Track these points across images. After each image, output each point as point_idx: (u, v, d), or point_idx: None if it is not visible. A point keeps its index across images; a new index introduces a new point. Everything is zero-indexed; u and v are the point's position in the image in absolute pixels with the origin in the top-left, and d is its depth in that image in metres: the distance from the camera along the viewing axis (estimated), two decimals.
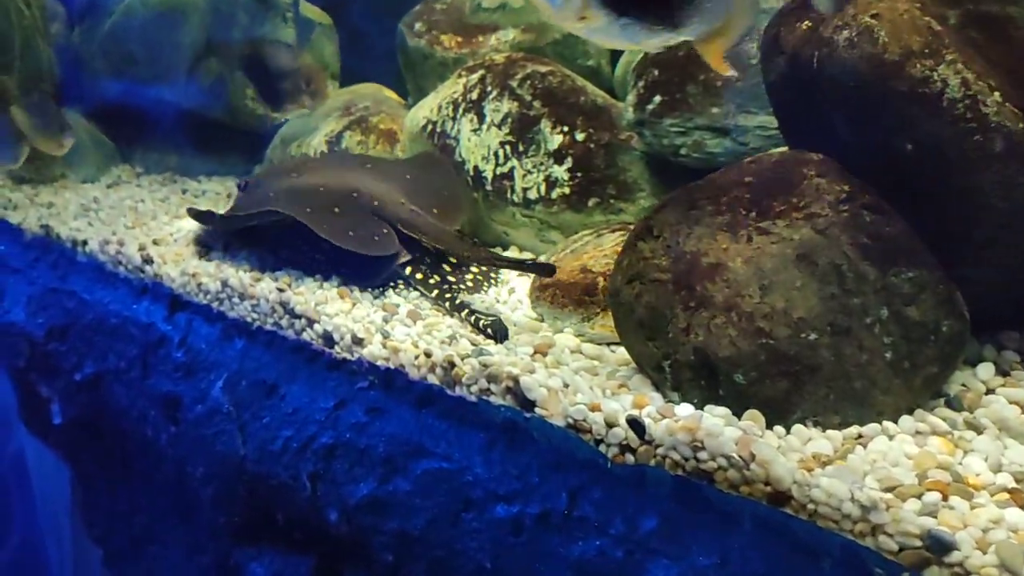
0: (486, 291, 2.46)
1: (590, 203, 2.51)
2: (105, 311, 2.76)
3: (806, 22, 1.79)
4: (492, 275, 2.51)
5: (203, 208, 2.91)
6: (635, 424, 1.66)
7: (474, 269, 2.50)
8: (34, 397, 3.00)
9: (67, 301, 2.89)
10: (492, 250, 2.70)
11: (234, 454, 2.25)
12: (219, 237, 2.77)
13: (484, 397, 1.89)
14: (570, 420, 1.76)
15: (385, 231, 2.39)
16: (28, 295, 3.00)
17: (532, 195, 2.55)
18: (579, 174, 2.51)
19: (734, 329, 1.63)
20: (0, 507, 3.65)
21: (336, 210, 2.44)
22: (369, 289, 2.39)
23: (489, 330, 2.10)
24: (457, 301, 2.25)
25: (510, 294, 2.42)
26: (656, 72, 2.39)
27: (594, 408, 1.74)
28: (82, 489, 3.04)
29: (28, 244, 3.13)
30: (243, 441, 2.24)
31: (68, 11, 3.54)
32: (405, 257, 2.40)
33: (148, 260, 2.71)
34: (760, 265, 1.65)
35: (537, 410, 1.81)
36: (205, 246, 2.75)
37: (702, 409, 1.68)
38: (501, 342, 2.08)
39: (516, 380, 1.84)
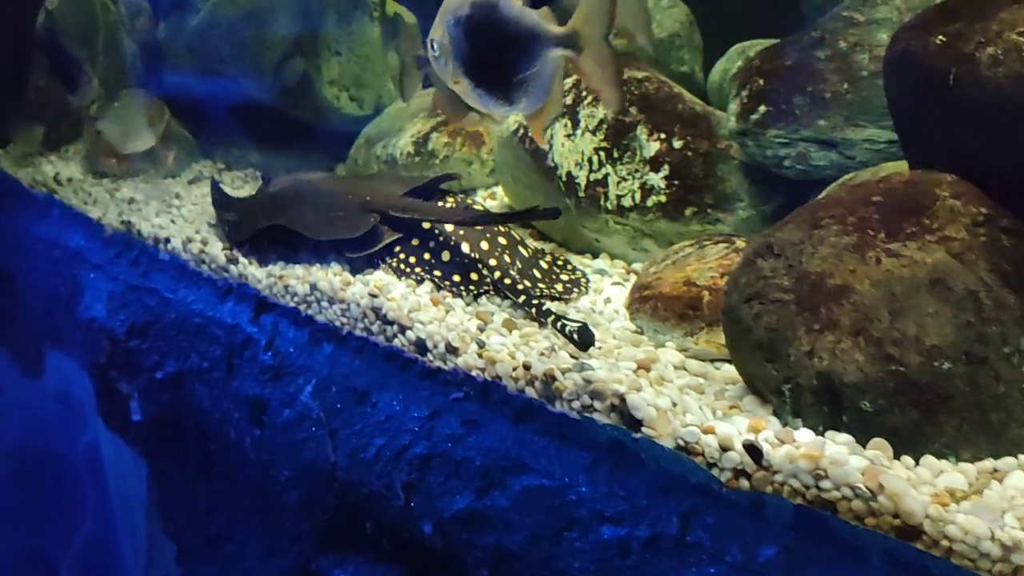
0: (578, 298, 2.44)
1: (687, 212, 2.48)
2: (188, 310, 2.79)
3: (940, 36, 1.74)
4: (583, 281, 2.49)
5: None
6: (752, 449, 1.63)
7: (564, 277, 2.48)
8: (113, 393, 3.04)
9: (149, 299, 2.93)
10: (577, 256, 2.69)
11: (324, 461, 2.26)
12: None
13: (587, 414, 1.88)
14: (680, 442, 1.74)
15: (365, 220, 2.59)
16: (109, 292, 3.05)
17: (626, 203, 2.52)
18: (676, 182, 2.48)
19: (861, 354, 1.59)
20: (73, 497, 3.72)
21: (330, 213, 2.69)
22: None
23: (575, 336, 2.07)
24: (544, 307, 2.24)
25: (606, 303, 2.39)
26: (761, 82, 2.35)
27: (707, 430, 1.72)
28: (158, 486, 3.08)
29: (108, 240, 3.17)
30: (333, 448, 2.25)
31: (153, 6, 3.59)
32: (392, 236, 2.57)
33: (233, 260, 2.73)
34: (890, 289, 1.61)
35: (644, 430, 1.79)
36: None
37: (823, 436, 1.64)
38: (587, 349, 2.05)
39: (623, 398, 1.82)
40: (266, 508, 2.56)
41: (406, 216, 2.57)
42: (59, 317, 3.36)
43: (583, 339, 2.03)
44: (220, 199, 3.10)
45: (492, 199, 3.22)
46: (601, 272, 2.59)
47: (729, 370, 2.09)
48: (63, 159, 3.85)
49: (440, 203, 2.64)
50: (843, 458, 1.55)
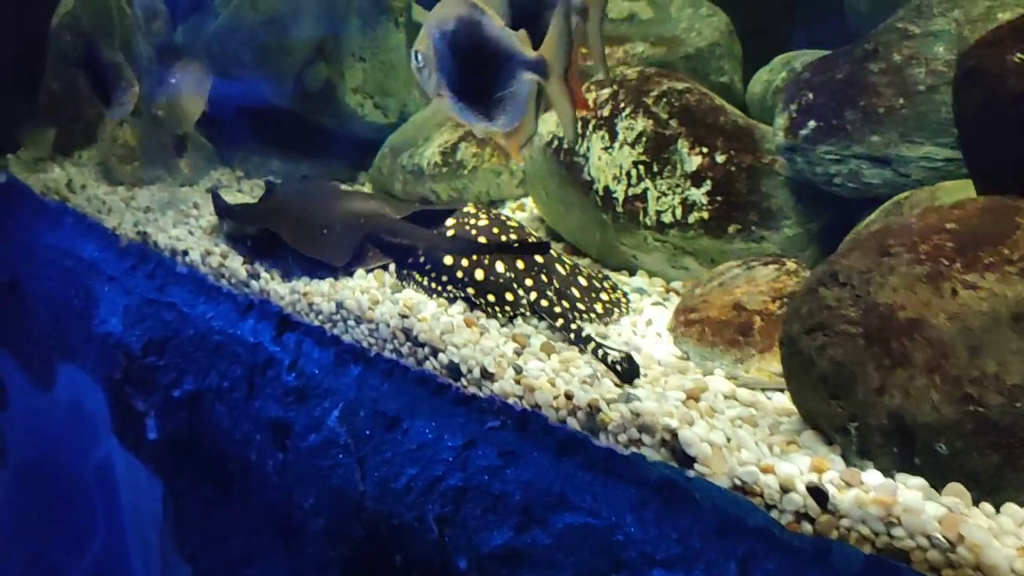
0: (618, 320, 2.34)
1: (730, 229, 2.38)
2: (207, 327, 2.70)
3: (1018, 54, 1.64)
4: (624, 302, 2.39)
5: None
6: (816, 491, 1.54)
7: (604, 297, 2.39)
8: (128, 410, 2.96)
9: (166, 314, 2.84)
10: (613, 273, 2.60)
11: (352, 489, 2.17)
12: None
13: (634, 448, 1.79)
14: (737, 481, 1.65)
15: (349, 245, 2.63)
16: (124, 305, 2.96)
17: (667, 219, 2.43)
18: (719, 198, 2.39)
19: (937, 393, 1.50)
20: (84, 512, 3.64)
21: (320, 229, 2.73)
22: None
23: (618, 367, 1.98)
24: (583, 333, 2.14)
25: (647, 325, 2.30)
26: (811, 95, 2.25)
27: (766, 470, 1.63)
28: (174, 505, 3.00)
29: (124, 251, 3.09)
30: (362, 476, 2.16)
31: (170, 10, 3.50)
32: (380, 261, 2.60)
33: (254, 275, 2.64)
34: (968, 323, 1.51)
35: (697, 467, 1.69)
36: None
37: (894, 479, 1.55)
38: (631, 381, 1.96)
39: (674, 433, 1.73)
40: (289, 534, 2.47)
41: (395, 241, 2.60)
42: (71, 328, 3.28)
43: (627, 371, 1.94)
44: (221, 207, 3.07)
45: (521, 211, 3.12)
46: (640, 291, 2.49)
47: (782, 400, 1.99)
48: (76, 165, 3.77)
49: (465, 219, 2.55)
50: (918, 504, 1.46)
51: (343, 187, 3.38)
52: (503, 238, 2.43)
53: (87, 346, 3.16)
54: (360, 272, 2.57)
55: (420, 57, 2.06)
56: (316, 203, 2.94)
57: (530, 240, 2.48)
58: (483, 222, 2.50)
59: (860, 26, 2.78)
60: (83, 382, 3.31)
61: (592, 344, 2.06)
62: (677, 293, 2.49)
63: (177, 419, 2.79)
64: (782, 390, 2.02)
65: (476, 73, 1.97)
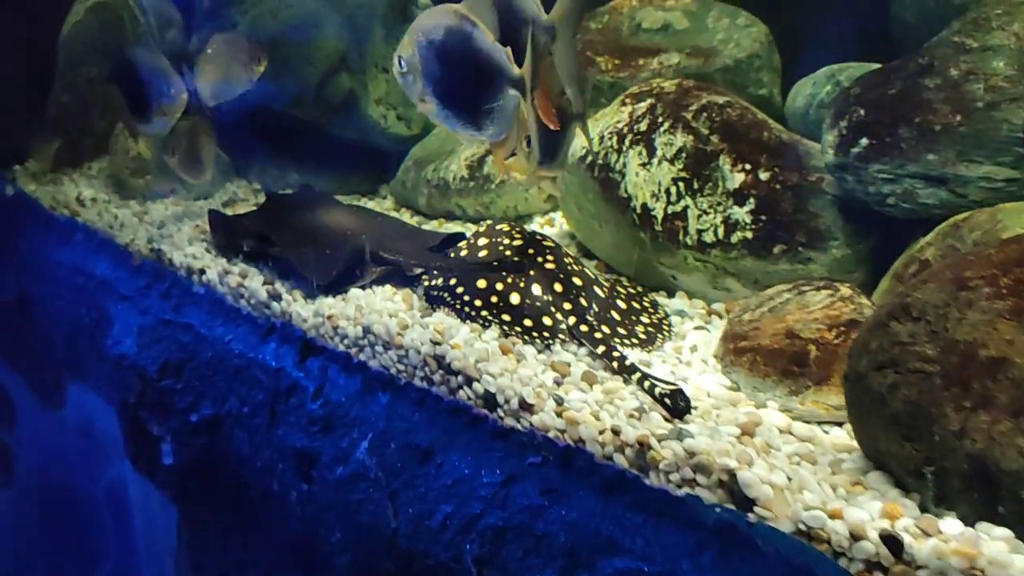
0: (661, 345, 2.24)
1: (775, 250, 2.28)
2: (225, 350, 2.61)
3: None
4: (666, 325, 2.30)
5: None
6: (891, 540, 1.45)
7: (645, 320, 2.29)
8: (143, 434, 2.86)
9: (182, 335, 2.74)
10: (651, 294, 2.50)
11: (383, 525, 2.07)
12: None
13: (687, 489, 1.69)
14: (802, 526, 1.55)
15: (336, 261, 2.58)
16: (139, 325, 2.86)
17: (708, 238, 2.33)
18: (763, 217, 2.29)
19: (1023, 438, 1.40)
20: (94, 534, 3.55)
21: (316, 244, 2.72)
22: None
23: (667, 400, 1.88)
24: (627, 362, 2.04)
25: (692, 352, 2.20)
26: (862, 112, 2.15)
27: (834, 515, 1.53)
28: (189, 532, 2.90)
29: (137, 269, 2.99)
30: (394, 512, 2.07)
31: (185, 18, 3.40)
32: (375, 274, 2.56)
33: (275, 296, 2.54)
34: None
35: (757, 510, 1.60)
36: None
37: (974, 527, 1.46)
38: (681, 417, 1.87)
39: (733, 474, 1.63)
40: (313, 567, 2.38)
41: (390, 258, 2.57)
42: (83, 348, 3.19)
43: (677, 405, 1.85)
44: (215, 218, 3.02)
45: (550, 226, 3.03)
46: (681, 313, 2.40)
47: (839, 435, 1.90)
48: (85, 177, 3.66)
49: (498, 238, 2.45)
50: (1004, 557, 1.37)
51: (341, 200, 3.31)
52: (539, 260, 2.34)
53: (99, 366, 3.07)
54: (387, 293, 2.48)
55: (403, 63, 2.09)
56: (310, 216, 2.90)
57: (567, 264, 2.38)
58: (517, 242, 2.40)
59: (907, 38, 2.70)
60: (94, 403, 3.22)
61: (638, 375, 1.97)
62: (719, 316, 2.39)
63: (194, 444, 2.69)
64: (840, 424, 1.93)
65: (464, 83, 2.02)
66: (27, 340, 3.50)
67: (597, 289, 2.33)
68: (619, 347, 2.16)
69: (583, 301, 2.25)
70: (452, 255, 2.52)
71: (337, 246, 2.66)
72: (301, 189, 3.27)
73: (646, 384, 1.92)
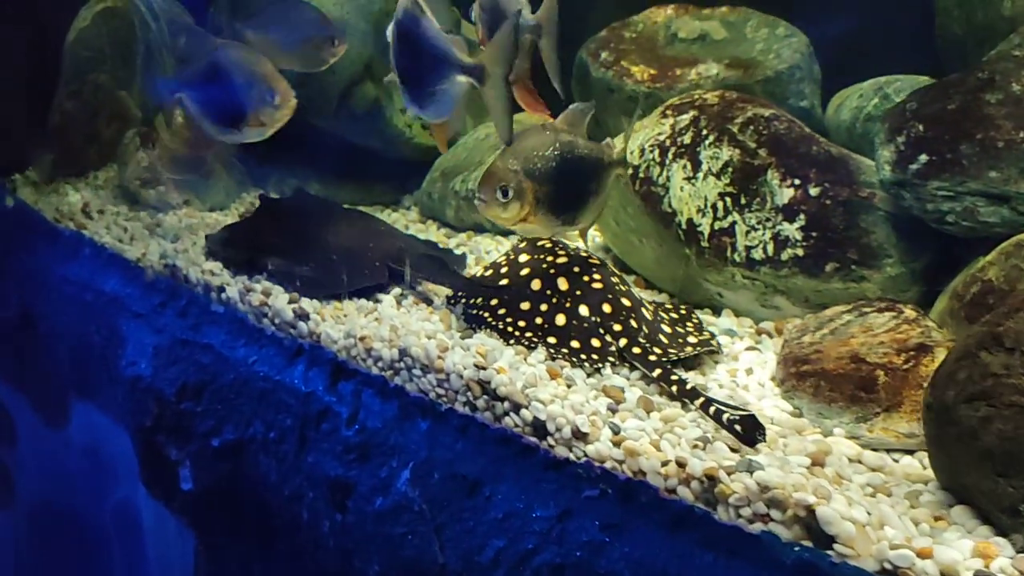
0: (714, 367, 2.17)
1: (827, 268, 2.22)
2: (249, 372, 2.51)
3: None
4: (714, 344, 2.22)
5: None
6: None
7: (692, 339, 2.21)
8: (159, 458, 2.76)
9: (201, 356, 2.64)
10: (695, 312, 2.42)
11: (430, 561, 1.99)
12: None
13: (760, 524, 1.62)
14: (887, 565, 1.49)
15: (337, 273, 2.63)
16: (154, 345, 2.76)
17: (757, 255, 2.26)
18: (814, 234, 2.22)
19: None
20: (99, 558, 3.44)
21: (344, 253, 2.74)
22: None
23: (738, 427, 1.80)
24: (688, 386, 1.96)
25: (748, 374, 2.13)
26: (920, 127, 2.09)
27: (923, 554, 1.47)
28: (207, 558, 2.80)
29: (150, 285, 2.88)
30: (440, 547, 1.98)
31: (200, 23, 3.29)
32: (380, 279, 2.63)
33: (302, 316, 2.45)
34: None
35: (838, 547, 1.53)
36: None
37: None
38: (754, 445, 1.79)
39: (811, 510, 1.56)
40: None
41: (399, 269, 2.64)
42: (90, 367, 3.07)
43: (750, 432, 1.77)
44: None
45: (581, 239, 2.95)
46: (730, 332, 2.32)
47: (909, 463, 1.83)
48: (91, 187, 3.54)
49: (541, 255, 2.38)
50: None
51: (346, 206, 3.26)
52: (585, 279, 2.25)
53: (109, 387, 2.96)
54: (423, 314, 2.39)
55: (387, 37, 2.29)
56: (309, 225, 2.89)
57: (614, 283, 2.30)
58: (562, 259, 2.32)
59: (952, 50, 2.64)
60: (101, 423, 3.11)
61: (701, 400, 1.89)
62: (769, 335, 2.32)
63: (215, 470, 2.59)
64: (911, 452, 1.87)
65: (411, 65, 2.22)
66: (30, 358, 3.38)
67: (644, 311, 2.25)
68: (676, 370, 2.07)
69: (633, 322, 2.17)
70: (491, 272, 2.43)
71: (346, 254, 2.69)
72: (297, 192, 3.21)
73: (711, 409, 1.85)
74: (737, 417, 1.79)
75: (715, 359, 2.22)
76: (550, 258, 2.34)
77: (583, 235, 2.46)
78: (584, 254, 2.38)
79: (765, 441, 1.77)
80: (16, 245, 3.43)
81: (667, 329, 2.23)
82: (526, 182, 2.14)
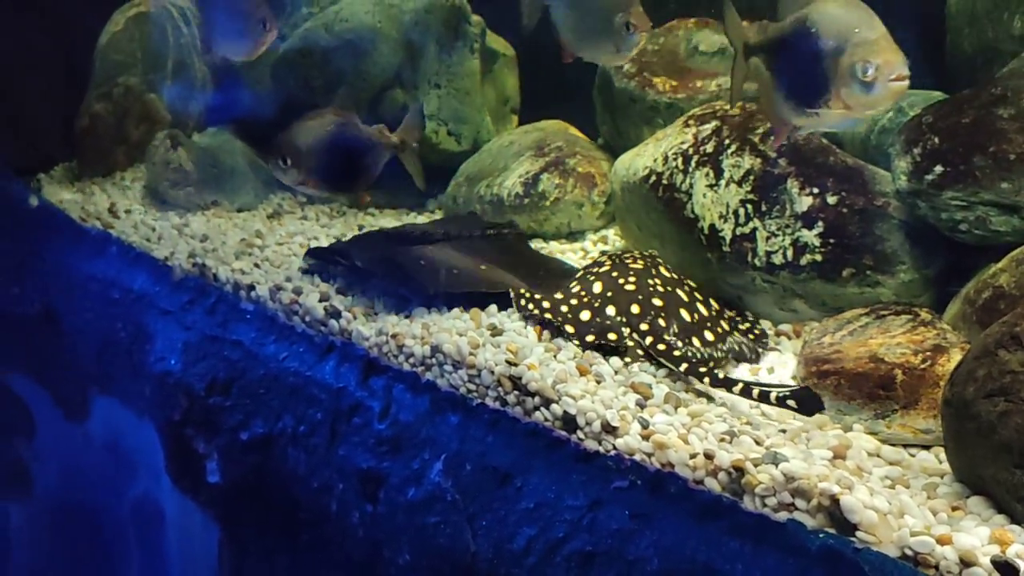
0: (735, 368, 2.27)
1: (844, 273, 2.33)
2: (279, 367, 2.59)
3: None
4: (765, 340, 2.35)
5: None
6: (1006, 567, 1.48)
7: (696, 342, 2.31)
8: (186, 451, 2.84)
9: (231, 352, 2.73)
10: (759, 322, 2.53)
11: (462, 549, 2.08)
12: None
13: (785, 513, 1.71)
14: (908, 551, 1.58)
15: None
16: (184, 342, 2.84)
17: (777, 260, 2.37)
18: (832, 240, 2.33)
19: None
20: (117, 550, 3.51)
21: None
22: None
23: (791, 402, 1.93)
24: (721, 376, 2.08)
25: (770, 372, 2.23)
26: (936, 140, 2.20)
27: (942, 540, 1.56)
28: (232, 551, 2.88)
29: (179, 284, 2.96)
30: (473, 535, 2.07)
31: None
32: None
33: (333, 313, 2.54)
34: None
35: (860, 534, 1.62)
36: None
37: None
38: (812, 414, 1.94)
39: (835, 499, 1.66)
40: None
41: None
42: (115, 362, 3.15)
43: (807, 404, 1.90)
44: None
45: (603, 243, 3.06)
46: None
47: (926, 458, 1.94)
48: (118, 187, 3.62)
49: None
50: None
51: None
52: (620, 280, 2.39)
53: (134, 382, 3.04)
54: (455, 312, 2.48)
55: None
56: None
57: (649, 285, 2.43)
58: (631, 285, 2.42)
59: (962, 66, 2.76)
60: (122, 417, 3.19)
61: (739, 386, 2.00)
62: (788, 336, 2.44)
63: (243, 463, 2.68)
64: (927, 448, 1.97)
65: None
66: (52, 353, 3.45)
67: (683, 311, 2.35)
68: (707, 365, 2.18)
69: (661, 321, 2.27)
70: (576, 286, 2.51)
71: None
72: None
73: (755, 393, 1.96)
74: (787, 392, 1.91)
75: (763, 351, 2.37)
76: (621, 280, 2.45)
77: (361, 201, 3.07)
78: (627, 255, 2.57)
79: (823, 411, 1.88)
80: (40, 244, 3.51)
81: (708, 336, 2.32)
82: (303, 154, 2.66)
